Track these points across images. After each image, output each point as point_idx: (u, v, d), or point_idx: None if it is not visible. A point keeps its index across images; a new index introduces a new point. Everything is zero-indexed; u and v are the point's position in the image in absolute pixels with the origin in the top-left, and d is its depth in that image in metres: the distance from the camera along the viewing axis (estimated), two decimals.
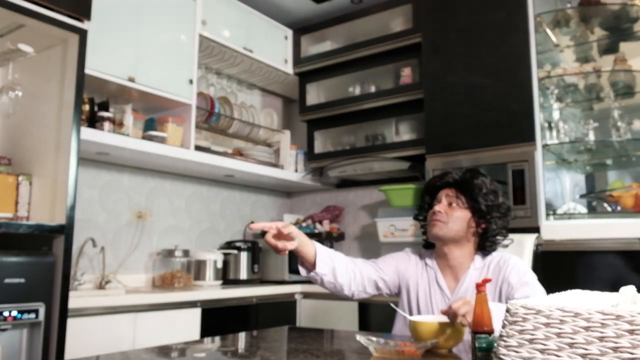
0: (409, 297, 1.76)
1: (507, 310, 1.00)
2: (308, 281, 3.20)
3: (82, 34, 2.17)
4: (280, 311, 3.09)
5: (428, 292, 1.73)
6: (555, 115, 2.82)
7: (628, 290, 1.07)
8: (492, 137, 2.74)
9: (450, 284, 1.71)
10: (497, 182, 1.76)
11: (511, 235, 1.77)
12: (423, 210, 1.80)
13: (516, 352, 0.96)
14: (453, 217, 1.67)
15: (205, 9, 3.11)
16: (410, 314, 1.73)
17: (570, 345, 0.91)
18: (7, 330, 1.84)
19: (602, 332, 0.89)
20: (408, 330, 1.44)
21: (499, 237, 1.70)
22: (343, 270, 1.66)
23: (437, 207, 1.69)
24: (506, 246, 1.76)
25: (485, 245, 1.69)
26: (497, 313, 1.16)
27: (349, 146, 3.67)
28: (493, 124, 2.75)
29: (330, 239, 3.73)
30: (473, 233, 1.69)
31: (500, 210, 1.68)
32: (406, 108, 3.32)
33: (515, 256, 1.73)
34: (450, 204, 1.69)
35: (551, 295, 1.20)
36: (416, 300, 1.74)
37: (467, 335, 1.34)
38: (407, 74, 3.36)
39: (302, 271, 1.65)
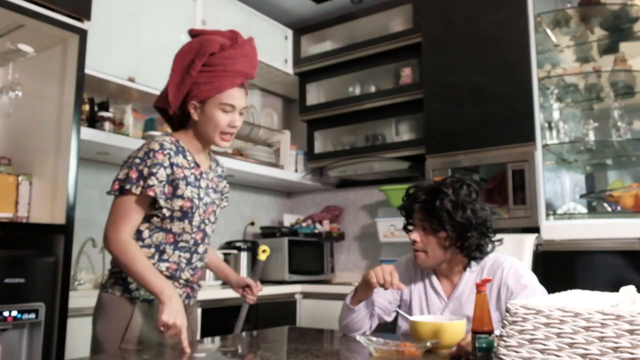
0: (406, 303, 1.78)
1: (507, 310, 1.00)
2: (308, 281, 3.22)
3: (82, 34, 2.17)
4: (280, 311, 3.08)
5: (424, 295, 1.74)
6: (555, 115, 2.83)
7: (628, 290, 1.07)
8: (492, 137, 2.74)
9: (446, 288, 1.72)
10: (475, 181, 1.71)
11: (511, 236, 1.76)
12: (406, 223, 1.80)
13: (516, 352, 0.96)
14: (429, 244, 1.65)
15: (205, 9, 3.11)
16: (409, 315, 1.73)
17: (570, 345, 0.91)
18: (7, 330, 1.84)
19: (602, 332, 0.89)
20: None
21: (481, 246, 1.65)
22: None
23: (412, 236, 1.67)
24: (500, 242, 1.73)
25: (471, 256, 1.67)
26: None
27: (349, 146, 3.67)
28: (493, 124, 2.75)
29: (330, 239, 3.72)
30: (454, 250, 1.66)
31: (473, 224, 1.61)
32: (406, 108, 3.32)
33: (511, 257, 1.71)
34: (424, 229, 1.66)
35: (551, 295, 1.20)
36: (416, 305, 1.75)
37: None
38: (407, 74, 3.36)
39: (351, 300, 1.72)
